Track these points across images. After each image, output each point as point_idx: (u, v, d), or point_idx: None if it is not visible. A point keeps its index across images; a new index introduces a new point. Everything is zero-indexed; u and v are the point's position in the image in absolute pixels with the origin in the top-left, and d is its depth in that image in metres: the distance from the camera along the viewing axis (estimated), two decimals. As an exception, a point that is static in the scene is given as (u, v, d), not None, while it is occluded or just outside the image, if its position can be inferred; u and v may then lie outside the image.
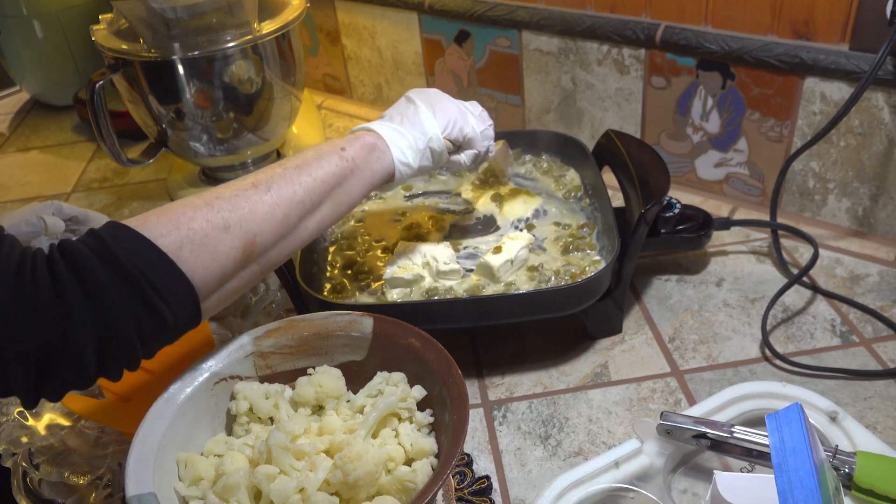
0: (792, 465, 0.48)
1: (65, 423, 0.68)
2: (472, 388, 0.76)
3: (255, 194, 0.57)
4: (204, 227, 0.53)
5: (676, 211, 0.85)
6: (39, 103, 1.52)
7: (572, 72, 1.04)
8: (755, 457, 0.61)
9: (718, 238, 0.93)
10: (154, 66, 0.93)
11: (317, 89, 1.42)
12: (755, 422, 0.66)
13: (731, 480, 0.55)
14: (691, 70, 0.93)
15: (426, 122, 0.71)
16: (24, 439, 0.66)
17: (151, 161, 1.03)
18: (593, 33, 0.98)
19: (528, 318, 0.75)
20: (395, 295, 0.77)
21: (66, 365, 0.48)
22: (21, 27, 1.34)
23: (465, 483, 0.66)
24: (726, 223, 0.90)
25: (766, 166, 0.94)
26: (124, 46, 0.93)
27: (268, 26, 0.96)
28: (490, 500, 0.64)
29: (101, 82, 0.91)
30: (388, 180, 0.69)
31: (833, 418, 0.64)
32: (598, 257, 0.81)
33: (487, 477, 0.66)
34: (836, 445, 0.60)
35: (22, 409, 0.68)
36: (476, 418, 0.73)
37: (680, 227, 0.86)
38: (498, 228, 0.87)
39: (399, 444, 0.57)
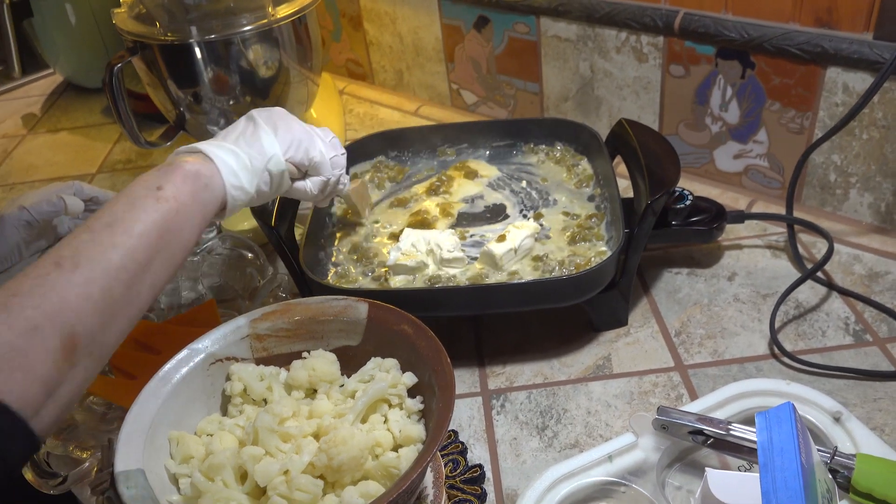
0: (778, 465, 0.47)
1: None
2: (472, 377, 0.76)
3: (61, 276, 0.47)
4: (5, 337, 0.44)
5: (688, 202, 0.83)
6: (72, 85, 1.55)
7: (590, 59, 1.03)
8: (752, 455, 0.60)
9: (734, 231, 0.90)
10: (171, 50, 0.94)
11: (340, 75, 1.42)
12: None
13: (723, 478, 0.54)
14: (710, 58, 0.91)
15: (266, 141, 0.63)
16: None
17: (169, 143, 1.04)
18: (612, 20, 0.97)
19: (530, 307, 0.75)
20: (397, 281, 0.77)
21: None
22: (55, 11, 1.38)
23: (458, 471, 0.66)
24: (740, 216, 0.88)
25: (786, 158, 0.91)
26: (142, 29, 0.94)
27: (284, 10, 0.96)
28: (481, 488, 0.64)
29: (119, 65, 0.92)
30: (221, 209, 0.60)
31: (837, 419, 0.62)
32: (605, 248, 0.79)
33: (481, 466, 0.66)
34: (836, 447, 0.58)
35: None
36: (474, 407, 0.73)
37: (692, 219, 0.84)
38: (507, 217, 0.87)
39: (388, 429, 0.57)
